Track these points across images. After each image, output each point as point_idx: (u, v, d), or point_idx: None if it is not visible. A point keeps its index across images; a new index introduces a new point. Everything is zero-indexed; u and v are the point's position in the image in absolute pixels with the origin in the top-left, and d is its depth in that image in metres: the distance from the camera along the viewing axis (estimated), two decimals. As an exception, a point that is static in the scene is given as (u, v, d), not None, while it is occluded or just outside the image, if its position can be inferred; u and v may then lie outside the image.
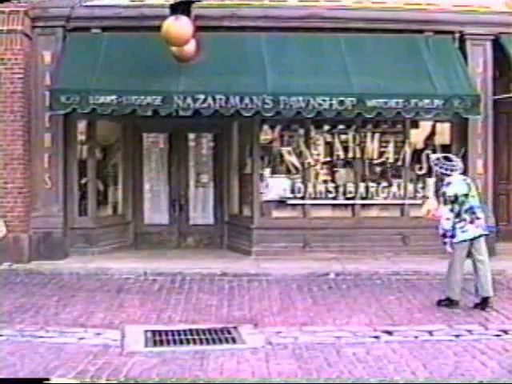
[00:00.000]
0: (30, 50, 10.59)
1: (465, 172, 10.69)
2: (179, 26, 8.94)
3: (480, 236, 7.81)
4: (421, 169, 11.37)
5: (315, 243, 11.06)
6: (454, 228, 7.69)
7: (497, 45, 11.01)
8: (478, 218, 7.75)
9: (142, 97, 9.70)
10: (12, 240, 10.11)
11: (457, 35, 11.08)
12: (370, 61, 10.54)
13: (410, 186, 11.33)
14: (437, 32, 11.08)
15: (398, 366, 5.75)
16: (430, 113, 10.21)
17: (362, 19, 10.85)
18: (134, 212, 12.06)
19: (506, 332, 6.77)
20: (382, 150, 11.47)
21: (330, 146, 11.44)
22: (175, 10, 9.04)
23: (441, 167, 7.91)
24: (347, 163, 11.49)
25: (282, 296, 8.54)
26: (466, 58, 10.98)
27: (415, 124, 11.50)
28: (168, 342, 6.53)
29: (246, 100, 9.81)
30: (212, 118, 10.30)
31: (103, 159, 11.76)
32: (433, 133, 11.61)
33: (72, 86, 9.87)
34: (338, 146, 11.41)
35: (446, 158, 8.06)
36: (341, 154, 11.43)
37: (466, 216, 7.70)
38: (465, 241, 7.74)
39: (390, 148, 11.46)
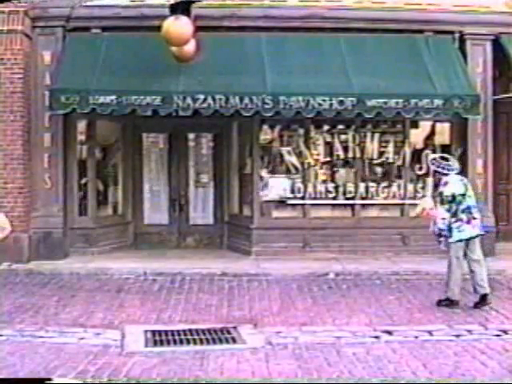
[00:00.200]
0: (30, 49, 10.60)
1: (464, 172, 10.79)
2: (179, 26, 8.94)
3: (477, 236, 7.85)
4: (421, 169, 11.37)
5: (315, 243, 11.06)
6: (450, 228, 7.72)
7: (497, 45, 11.01)
8: (474, 218, 7.79)
9: (142, 97, 9.70)
10: (12, 240, 10.09)
11: (457, 35, 11.08)
12: (370, 61, 10.54)
13: (410, 186, 11.33)
14: (437, 32, 11.08)
15: (398, 365, 5.75)
16: (430, 113, 10.21)
17: (362, 19, 10.85)
18: (134, 212, 12.06)
19: (505, 332, 6.77)
20: (382, 149, 11.48)
21: (329, 145, 11.45)
22: (175, 10, 9.04)
23: (437, 166, 7.95)
24: (347, 163, 11.50)
25: (281, 296, 8.54)
26: (465, 58, 10.98)
27: (415, 124, 11.50)
28: (168, 342, 6.53)
29: (246, 100, 9.81)
30: (212, 118, 10.30)
31: (103, 159, 11.76)
32: (432, 133, 11.61)
33: (72, 85, 9.87)
34: (337, 145, 11.42)
35: (443, 158, 8.12)
36: (341, 153, 11.43)
37: (463, 216, 7.73)
38: (461, 240, 7.77)
39: (390, 148, 11.46)
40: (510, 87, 11.16)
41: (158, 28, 9.08)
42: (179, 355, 6.06)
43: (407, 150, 11.39)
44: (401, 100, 9.98)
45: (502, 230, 11.65)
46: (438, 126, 11.56)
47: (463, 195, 7.76)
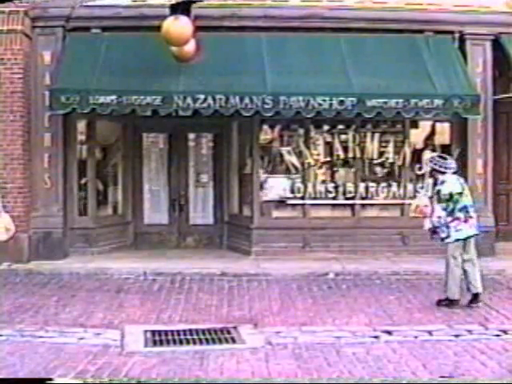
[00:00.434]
0: (30, 49, 10.60)
1: (464, 172, 10.83)
2: (179, 26, 8.94)
3: (473, 236, 7.91)
4: (420, 169, 11.36)
5: (315, 243, 11.06)
6: (447, 227, 7.73)
7: (497, 45, 11.01)
8: (471, 217, 7.84)
9: (142, 97, 9.70)
10: (12, 240, 10.08)
11: (457, 35, 11.08)
12: (370, 61, 10.54)
13: (410, 186, 11.33)
14: (437, 32, 11.08)
15: (398, 365, 5.75)
16: (430, 113, 10.21)
17: (362, 19, 10.86)
18: (134, 212, 12.06)
19: (505, 332, 6.77)
20: (382, 149, 11.48)
21: (329, 145, 11.45)
22: (175, 9, 9.04)
23: (435, 164, 8.02)
24: (347, 163, 11.50)
25: (281, 296, 8.54)
26: (465, 57, 10.98)
27: (415, 124, 11.51)
28: (168, 342, 6.53)
29: (246, 100, 9.81)
30: (212, 118, 10.30)
31: (103, 159, 11.76)
32: (432, 133, 11.62)
33: (72, 85, 9.87)
34: (337, 145, 11.42)
35: (441, 157, 8.21)
36: (340, 153, 11.44)
37: (461, 215, 7.77)
38: (458, 240, 7.79)
39: (390, 148, 11.47)
40: (510, 87, 11.17)
41: (158, 28, 9.08)
42: (179, 355, 6.06)
43: (407, 150, 11.39)
44: (401, 100, 9.98)
45: (502, 230, 11.66)
46: (438, 125, 11.56)
47: (460, 194, 7.81)
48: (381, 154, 11.47)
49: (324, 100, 9.90)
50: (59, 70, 10.27)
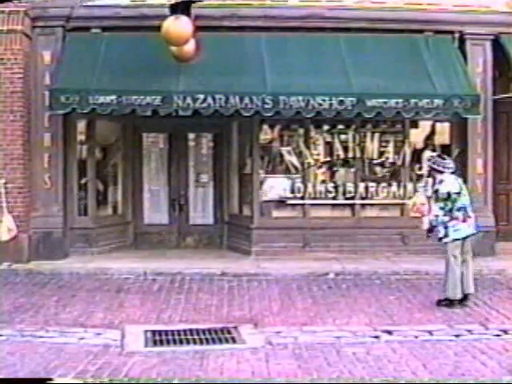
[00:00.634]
0: (30, 49, 10.59)
1: (464, 172, 10.86)
2: (179, 26, 8.93)
3: (472, 235, 7.97)
4: (420, 169, 11.36)
5: (315, 243, 11.06)
6: (446, 227, 7.75)
7: (497, 45, 11.01)
8: (469, 217, 7.87)
9: (142, 97, 9.70)
10: (12, 240, 10.10)
11: (457, 35, 11.08)
12: (370, 61, 10.54)
13: (410, 186, 11.32)
14: (437, 32, 11.08)
15: (398, 365, 5.75)
16: (430, 113, 10.20)
17: (362, 19, 10.85)
18: (134, 212, 12.06)
19: (505, 332, 6.77)
20: (382, 149, 11.48)
21: (329, 145, 11.45)
22: (175, 9, 9.03)
23: (433, 163, 8.08)
24: (347, 163, 11.50)
25: (281, 296, 8.54)
26: (465, 57, 10.98)
27: (415, 124, 11.51)
28: (168, 342, 6.53)
29: (246, 100, 9.81)
30: (212, 118, 10.30)
31: (103, 159, 11.76)
32: (432, 133, 11.62)
33: (72, 85, 9.87)
34: (337, 145, 11.42)
35: (440, 157, 8.30)
36: (340, 153, 11.44)
37: (459, 214, 7.80)
38: (457, 239, 7.81)
39: (390, 148, 11.47)
40: (510, 87, 11.15)
41: (158, 28, 9.07)
42: (179, 355, 6.06)
43: (407, 150, 11.39)
44: (401, 100, 9.98)
45: (502, 230, 11.65)
46: (438, 125, 11.57)
47: (458, 194, 7.84)
48: (381, 153, 11.47)
49: (324, 100, 9.89)
50: (59, 70, 10.27)
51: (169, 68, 9.88)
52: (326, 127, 11.42)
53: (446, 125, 11.46)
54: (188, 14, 9.08)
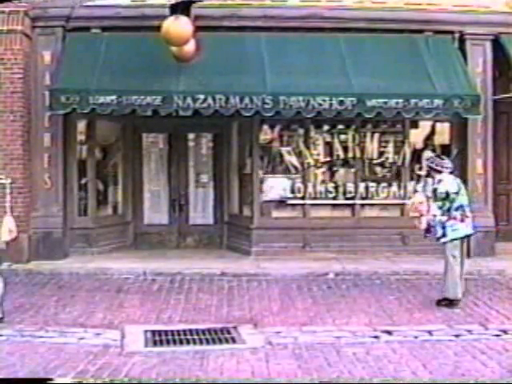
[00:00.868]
0: (30, 49, 10.59)
1: (464, 172, 10.86)
2: (179, 26, 8.93)
3: (470, 235, 8.08)
4: (420, 169, 11.36)
5: (315, 243, 11.07)
6: (443, 227, 7.77)
7: (497, 45, 11.01)
8: (467, 217, 7.92)
9: (142, 97, 9.70)
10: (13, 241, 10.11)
11: (457, 35, 11.08)
12: (370, 61, 10.54)
13: (410, 186, 11.32)
14: (437, 32, 11.08)
15: (398, 365, 5.75)
16: (430, 113, 10.20)
17: (362, 19, 10.85)
18: (134, 212, 12.06)
19: (505, 332, 6.77)
20: (382, 149, 11.48)
21: (329, 146, 11.45)
22: (175, 9, 9.03)
23: (432, 162, 8.15)
24: (347, 163, 11.50)
25: (281, 296, 8.54)
26: (465, 58, 10.98)
27: (415, 124, 11.51)
28: (168, 342, 6.53)
29: (246, 100, 9.81)
30: (212, 118, 10.30)
31: (103, 159, 11.76)
32: (432, 133, 11.62)
33: (72, 85, 9.87)
34: (337, 146, 11.42)
35: (438, 157, 8.43)
36: (340, 153, 11.44)
37: (457, 214, 7.83)
38: (455, 239, 7.84)
39: (390, 148, 11.47)
40: (510, 87, 11.16)
41: (158, 28, 9.07)
42: (179, 355, 6.06)
43: (407, 150, 11.39)
44: (401, 100, 9.98)
45: (502, 230, 11.66)
46: (438, 125, 11.57)
47: (456, 193, 7.88)
48: (381, 153, 11.47)
49: (324, 100, 9.89)
50: (59, 70, 10.27)
51: (169, 68, 9.88)
52: (326, 127, 11.42)
53: (446, 125, 11.46)
54: (188, 14, 9.08)
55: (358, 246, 11.03)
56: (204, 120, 10.53)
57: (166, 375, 5.53)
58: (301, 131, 11.38)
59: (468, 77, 10.64)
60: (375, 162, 11.48)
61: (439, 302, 7.92)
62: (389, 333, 6.77)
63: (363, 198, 11.36)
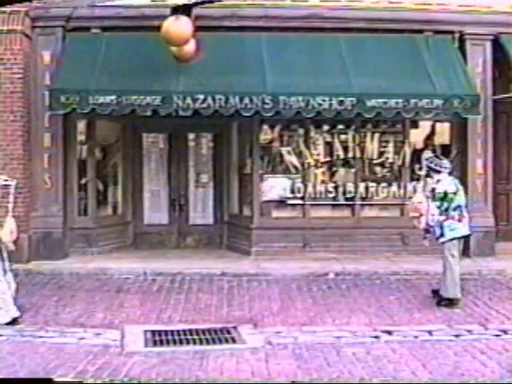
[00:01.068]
0: (30, 50, 10.59)
1: (464, 172, 10.87)
2: (179, 26, 8.93)
3: (467, 236, 8.14)
4: (420, 169, 11.35)
5: (315, 243, 11.06)
6: (441, 227, 7.81)
7: (497, 45, 11.01)
8: (464, 217, 7.98)
9: (142, 97, 9.69)
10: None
11: (456, 35, 11.08)
12: (370, 61, 10.53)
13: (410, 186, 11.32)
14: (437, 32, 11.07)
15: (398, 365, 5.75)
16: (430, 113, 10.20)
17: (362, 19, 10.85)
18: (134, 212, 12.06)
19: (505, 332, 6.78)
20: (382, 149, 11.48)
21: (329, 146, 11.45)
22: (176, 10, 9.03)
23: (431, 162, 8.24)
24: (347, 163, 11.50)
25: (281, 296, 8.54)
26: (465, 58, 10.98)
27: (415, 124, 11.51)
28: (168, 342, 6.54)
29: (246, 100, 9.80)
30: (212, 118, 10.30)
31: (103, 159, 11.76)
32: (432, 133, 11.61)
33: (72, 85, 9.87)
34: (337, 146, 11.42)
35: (437, 157, 8.56)
36: (340, 153, 11.43)
37: (455, 214, 7.89)
38: (453, 239, 7.90)
39: (390, 148, 11.46)
40: (510, 87, 11.15)
41: (158, 28, 9.06)
42: (179, 355, 6.07)
43: (407, 150, 11.39)
44: (401, 100, 9.97)
45: (502, 230, 11.65)
46: (438, 126, 11.56)
47: (454, 193, 7.94)
48: (381, 153, 11.47)
49: (324, 100, 9.89)
50: (59, 70, 10.27)
51: (169, 68, 9.88)
52: (325, 127, 11.41)
53: (446, 125, 11.46)
54: (188, 14, 9.07)
55: (358, 245, 11.03)
56: (204, 120, 10.52)
57: (166, 375, 5.53)
58: (301, 131, 11.37)
59: (468, 77, 10.64)
60: (375, 162, 11.48)
61: (439, 302, 7.93)
62: (389, 333, 6.77)
63: (363, 198, 11.36)
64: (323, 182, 11.42)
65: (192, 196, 12.30)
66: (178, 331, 6.86)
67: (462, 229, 7.94)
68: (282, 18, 10.84)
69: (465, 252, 10.28)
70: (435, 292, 8.17)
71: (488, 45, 11.06)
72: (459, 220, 7.89)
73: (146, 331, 6.86)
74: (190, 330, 6.88)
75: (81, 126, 11.21)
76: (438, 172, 8.05)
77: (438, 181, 7.99)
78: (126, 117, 10.50)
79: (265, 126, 11.33)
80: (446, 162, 8.17)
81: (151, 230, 12.10)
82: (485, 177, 11.15)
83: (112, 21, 10.69)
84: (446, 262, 7.90)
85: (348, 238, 11.07)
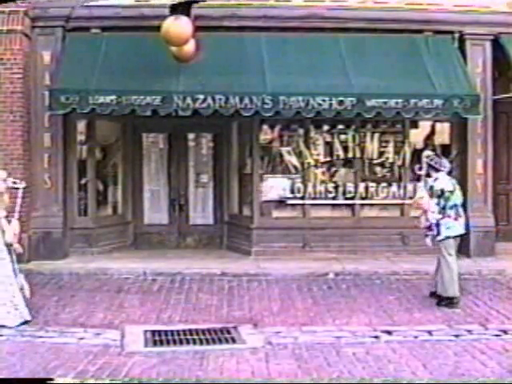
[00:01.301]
0: (30, 49, 10.59)
1: (465, 172, 10.87)
2: (179, 26, 8.93)
3: (463, 235, 8.16)
4: (420, 169, 11.33)
5: (315, 243, 11.06)
6: (438, 225, 7.84)
7: (496, 45, 11.01)
8: (460, 216, 8.04)
9: (142, 97, 9.69)
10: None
11: (456, 35, 11.07)
12: (370, 61, 10.53)
13: (410, 186, 11.32)
14: (437, 32, 11.07)
15: (398, 365, 5.75)
16: (430, 113, 10.20)
17: (362, 19, 10.85)
18: (134, 212, 12.06)
19: (505, 332, 6.78)
20: (382, 149, 11.48)
21: (329, 145, 11.44)
22: (175, 10, 9.03)
23: (431, 160, 8.32)
24: (347, 163, 11.49)
25: (281, 296, 8.54)
26: (465, 57, 10.97)
27: (415, 124, 11.50)
28: (168, 342, 6.54)
29: (246, 100, 9.80)
30: (211, 118, 10.29)
31: (103, 159, 11.75)
32: (432, 133, 11.61)
33: (71, 85, 9.86)
34: (337, 145, 11.41)
35: (438, 156, 8.64)
36: (340, 153, 11.43)
37: (451, 212, 7.95)
38: (449, 237, 7.94)
39: (390, 148, 11.46)
40: (510, 87, 11.15)
41: (158, 28, 9.06)
42: (179, 355, 6.07)
43: (407, 150, 11.39)
44: (401, 100, 9.97)
45: (502, 230, 11.64)
46: (438, 125, 11.56)
47: (451, 192, 8.01)
48: (381, 153, 11.47)
49: (324, 100, 9.89)
50: (59, 70, 10.27)
51: (169, 68, 9.88)
52: (325, 127, 11.41)
53: (446, 125, 11.46)
54: (188, 14, 9.07)
55: (358, 245, 11.03)
56: (204, 120, 10.51)
57: (166, 375, 5.54)
58: (301, 131, 11.37)
59: (468, 77, 10.64)
60: (375, 162, 11.47)
61: (439, 302, 7.93)
62: (389, 333, 6.77)
63: (363, 198, 11.35)
64: (323, 181, 11.41)
65: (192, 196, 12.30)
66: (178, 331, 6.86)
67: (458, 228, 8.01)
68: (281, 18, 10.84)
69: (464, 252, 10.35)
70: (433, 294, 8.16)
71: (488, 45, 11.06)
72: (455, 219, 7.95)
73: (146, 331, 6.86)
74: (190, 330, 6.88)
75: (81, 125, 11.21)
76: (437, 170, 8.13)
77: (436, 179, 8.07)
78: (126, 117, 10.50)
79: (265, 126, 11.33)
80: (445, 162, 8.25)
81: (151, 230, 12.09)
82: (485, 177, 11.15)
83: (111, 21, 10.68)
84: (444, 260, 7.95)
85: (348, 238, 11.07)
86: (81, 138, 11.25)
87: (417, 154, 11.43)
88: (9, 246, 7.16)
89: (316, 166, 11.41)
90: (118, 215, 11.99)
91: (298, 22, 10.87)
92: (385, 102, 9.95)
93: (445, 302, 7.88)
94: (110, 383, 5.38)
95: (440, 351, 6.14)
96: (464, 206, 8.65)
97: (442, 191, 7.92)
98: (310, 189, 11.27)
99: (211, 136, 12.32)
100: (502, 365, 5.74)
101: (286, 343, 6.43)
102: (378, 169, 11.51)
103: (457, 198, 8.07)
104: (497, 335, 6.70)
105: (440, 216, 7.89)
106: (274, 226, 11.15)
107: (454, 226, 7.94)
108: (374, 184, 11.38)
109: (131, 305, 8.06)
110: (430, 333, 6.76)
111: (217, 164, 12.22)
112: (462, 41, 11.08)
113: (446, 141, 11.50)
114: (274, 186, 11.33)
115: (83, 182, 11.21)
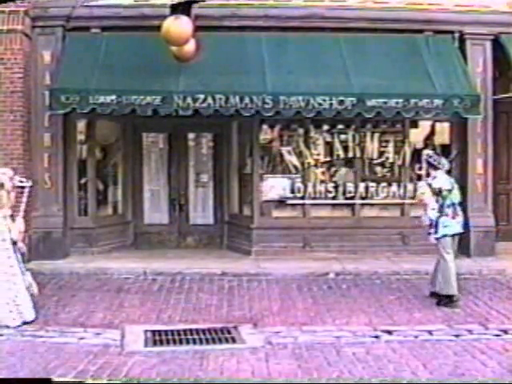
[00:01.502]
0: (30, 49, 10.59)
1: (465, 172, 10.88)
2: (179, 26, 8.93)
3: (460, 234, 8.15)
4: (420, 168, 11.34)
5: (315, 243, 11.06)
6: (436, 223, 7.86)
7: (497, 45, 11.01)
8: (457, 215, 8.06)
9: (142, 97, 9.69)
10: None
11: (456, 35, 11.07)
12: (370, 60, 10.54)
13: (410, 186, 11.32)
14: (437, 32, 11.07)
15: (398, 365, 5.75)
16: (430, 112, 10.20)
17: (362, 19, 10.85)
18: (134, 212, 12.06)
19: (505, 332, 6.78)
20: (382, 149, 11.47)
21: (329, 145, 11.44)
22: (175, 9, 9.03)
23: (430, 157, 8.35)
24: (347, 163, 11.49)
25: (281, 296, 8.54)
26: (465, 57, 10.97)
27: (415, 124, 11.50)
28: (168, 342, 6.54)
29: (246, 100, 9.80)
30: (212, 118, 10.29)
31: (103, 159, 11.75)
32: (432, 132, 11.61)
33: (72, 85, 9.87)
34: (337, 145, 11.41)
35: (437, 154, 8.66)
36: (340, 153, 11.43)
37: (449, 211, 7.98)
38: (446, 236, 7.95)
39: (390, 148, 11.46)
40: (510, 87, 11.14)
41: (158, 28, 9.06)
42: (179, 355, 6.07)
43: (407, 150, 11.39)
44: (401, 100, 9.97)
45: (502, 230, 11.64)
46: (438, 125, 11.56)
47: (449, 191, 8.04)
48: (381, 153, 11.46)
49: (324, 100, 9.89)
50: (59, 70, 10.27)
51: (169, 68, 9.88)
52: (325, 127, 11.41)
53: (446, 125, 11.46)
54: (188, 14, 9.07)
55: (358, 245, 11.03)
56: (204, 120, 10.51)
57: (166, 375, 5.54)
58: (301, 131, 11.37)
59: (468, 77, 10.64)
60: (375, 161, 11.48)
61: (439, 302, 7.93)
62: (389, 333, 6.77)
63: (363, 198, 11.35)
64: (323, 181, 11.41)
65: (192, 196, 12.30)
66: (178, 331, 6.86)
67: (456, 226, 8.03)
68: (281, 18, 10.84)
69: (465, 251, 10.36)
70: (433, 294, 8.15)
71: (488, 45, 11.05)
72: (453, 217, 7.98)
73: (146, 331, 6.86)
74: (190, 330, 6.88)
75: (81, 125, 11.21)
76: (436, 168, 8.17)
77: (434, 177, 8.11)
78: (126, 116, 10.50)
79: (265, 126, 11.33)
80: (443, 160, 8.28)
81: (151, 229, 12.09)
82: (485, 177, 11.15)
83: (111, 21, 10.68)
84: (442, 259, 7.97)
85: (348, 237, 11.06)
86: (81, 137, 11.25)
87: (417, 154, 11.43)
88: (14, 244, 7.16)
89: (316, 166, 11.41)
90: (118, 215, 11.99)
91: (299, 22, 10.87)
92: (385, 102, 9.95)
93: (444, 300, 7.88)
94: (110, 383, 5.37)
95: (440, 351, 6.14)
96: (463, 205, 8.66)
97: (440, 190, 7.97)
98: (310, 189, 11.27)
99: (211, 136, 12.31)
100: (502, 365, 5.74)
101: (286, 343, 6.43)
102: (378, 169, 11.51)
103: (455, 196, 8.11)
104: (497, 335, 6.69)
105: (437, 214, 7.92)
106: (274, 226, 11.15)
107: (451, 225, 7.97)
108: (374, 184, 11.38)
109: (131, 304, 8.06)
110: (430, 333, 6.76)
111: (217, 164, 12.22)
112: (462, 41, 11.08)
113: (446, 141, 11.50)
114: (274, 186, 11.33)
115: (83, 181, 11.21)
